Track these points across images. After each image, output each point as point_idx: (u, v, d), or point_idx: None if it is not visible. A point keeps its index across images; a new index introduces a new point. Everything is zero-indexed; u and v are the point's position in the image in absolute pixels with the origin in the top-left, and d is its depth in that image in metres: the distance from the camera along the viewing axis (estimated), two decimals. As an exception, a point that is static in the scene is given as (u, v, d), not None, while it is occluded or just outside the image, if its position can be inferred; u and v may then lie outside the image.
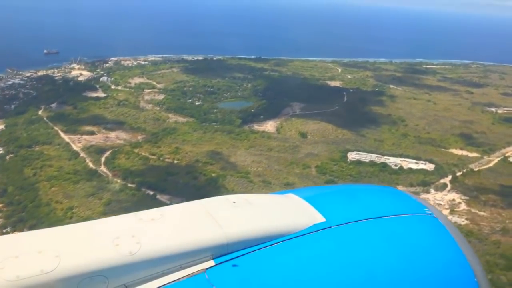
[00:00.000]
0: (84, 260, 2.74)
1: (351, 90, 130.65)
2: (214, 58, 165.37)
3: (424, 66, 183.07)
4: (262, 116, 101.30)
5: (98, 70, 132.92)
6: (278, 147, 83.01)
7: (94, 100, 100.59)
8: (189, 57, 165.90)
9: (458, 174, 76.33)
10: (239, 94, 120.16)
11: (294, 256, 3.24)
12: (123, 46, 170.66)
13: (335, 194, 4.57)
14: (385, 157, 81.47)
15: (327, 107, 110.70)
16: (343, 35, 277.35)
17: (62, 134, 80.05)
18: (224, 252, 3.13)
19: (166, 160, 72.87)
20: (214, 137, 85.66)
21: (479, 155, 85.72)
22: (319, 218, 3.57)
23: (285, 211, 3.72)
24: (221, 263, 3.08)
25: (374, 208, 3.84)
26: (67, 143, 76.46)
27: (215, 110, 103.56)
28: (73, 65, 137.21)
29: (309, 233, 3.42)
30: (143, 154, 73.86)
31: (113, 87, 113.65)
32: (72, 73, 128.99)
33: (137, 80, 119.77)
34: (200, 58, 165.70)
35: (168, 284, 2.88)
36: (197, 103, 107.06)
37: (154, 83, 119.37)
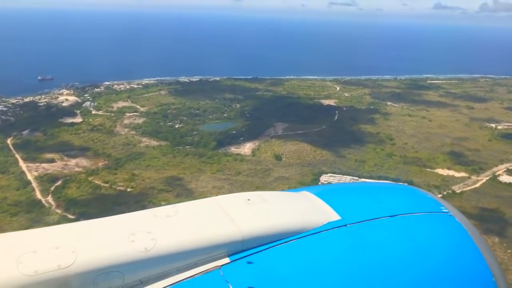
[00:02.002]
0: (100, 255, 2.74)
1: (344, 109, 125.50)
2: (210, 80, 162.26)
3: (429, 81, 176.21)
4: (241, 138, 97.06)
5: (86, 95, 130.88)
6: (248, 171, 78.41)
7: (68, 126, 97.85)
8: (185, 79, 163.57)
9: (438, 196, 69.94)
10: (225, 115, 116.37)
11: (309, 254, 3.16)
12: (119, 70, 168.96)
13: (350, 192, 4.40)
14: (362, 179, 75.68)
15: (314, 126, 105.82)
16: (348, 52, 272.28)
17: (21, 162, 77.05)
18: (239, 249, 3.07)
19: (119, 188, 68.89)
20: (183, 162, 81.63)
21: (467, 175, 79.46)
22: (334, 216, 3.48)
23: (300, 209, 3.62)
24: (236, 260, 3.02)
25: (390, 206, 3.70)
26: (22, 172, 73.31)
27: (194, 133, 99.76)
28: (63, 90, 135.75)
29: (324, 230, 3.34)
30: (96, 182, 70.11)
31: (93, 112, 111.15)
32: (59, 99, 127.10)
33: (120, 104, 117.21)
34: (196, 79, 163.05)
35: (183, 281, 2.86)
36: (176, 126, 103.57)
37: (138, 106, 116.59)
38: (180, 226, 3.12)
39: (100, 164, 78.22)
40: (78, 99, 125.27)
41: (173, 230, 3.07)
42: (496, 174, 79.78)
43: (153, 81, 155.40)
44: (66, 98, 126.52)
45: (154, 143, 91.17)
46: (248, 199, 3.54)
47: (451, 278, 3.21)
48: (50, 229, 3.02)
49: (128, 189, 68.43)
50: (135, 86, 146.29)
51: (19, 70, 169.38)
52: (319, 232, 3.33)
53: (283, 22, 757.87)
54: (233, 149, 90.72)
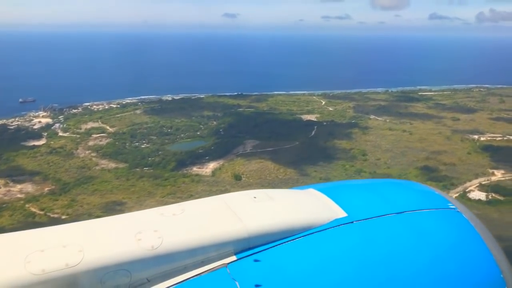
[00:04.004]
0: (107, 254, 2.73)
1: (324, 124, 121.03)
2: (193, 97, 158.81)
3: (421, 93, 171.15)
4: (207, 157, 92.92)
5: (60, 117, 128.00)
6: (202, 193, 73.62)
7: (28, 149, 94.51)
8: (169, 97, 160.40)
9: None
10: (198, 133, 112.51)
11: (315, 251, 3.14)
12: (102, 90, 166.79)
13: (357, 189, 4.31)
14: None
15: (286, 143, 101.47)
16: (341, 66, 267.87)
17: (-37, 189, 73.59)
18: (246, 247, 3.05)
19: (54, 215, 64.68)
20: (135, 185, 77.52)
21: (436, 192, 73.98)
22: (340, 213, 3.46)
23: (306, 206, 3.59)
24: (242, 258, 3.00)
25: (396, 203, 3.68)
26: (-39, 200, 69.81)
27: (160, 152, 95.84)
28: (39, 112, 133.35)
29: (331, 227, 3.32)
30: (32, 209, 66.13)
31: (60, 133, 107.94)
32: (33, 121, 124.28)
33: (90, 125, 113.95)
34: (180, 97, 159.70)
35: (190, 279, 2.85)
36: (142, 146, 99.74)
37: (108, 127, 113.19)
38: (186, 224, 3.06)
39: (46, 189, 74.48)
40: (51, 121, 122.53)
41: (180, 228, 3.00)
42: (467, 190, 74.77)
43: (134, 101, 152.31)
44: (40, 120, 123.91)
45: (112, 165, 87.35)
46: (255, 197, 3.50)
47: (459, 275, 3.15)
48: (57, 228, 2.93)
49: (63, 216, 64.03)
50: (114, 106, 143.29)
51: (1, 93, 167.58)
52: (325, 229, 3.29)
53: (278, 38, 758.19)
54: (195, 169, 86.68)
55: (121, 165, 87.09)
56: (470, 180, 78.49)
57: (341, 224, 3.33)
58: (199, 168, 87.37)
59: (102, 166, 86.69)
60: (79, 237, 2.80)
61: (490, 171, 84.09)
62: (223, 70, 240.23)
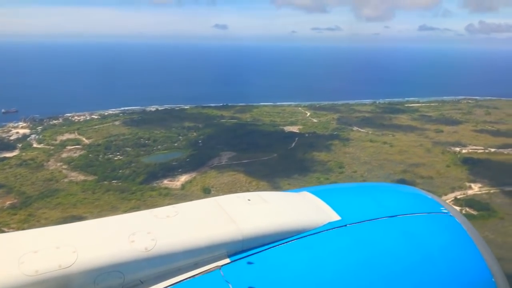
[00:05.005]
0: (101, 256, 2.73)
1: (306, 135, 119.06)
2: (177, 108, 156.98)
3: (408, 104, 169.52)
4: (180, 170, 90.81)
5: (39, 128, 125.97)
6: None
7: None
8: (152, 108, 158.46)
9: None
10: (176, 145, 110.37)
11: (309, 254, 3.15)
12: (86, 101, 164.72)
13: (350, 192, 4.38)
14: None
15: (264, 155, 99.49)
16: (330, 77, 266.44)
17: None
18: (239, 249, 3.05)
19: (9, 230, 62.32)
20: (100, 198, 75.38)
21: (409, 207, 72.01)
22: (334, 216, 3.48)
23: (300, 209, 3.60)
24: (236, 260, 3.00)
25: (390, 207, 3.72)
26: None
27: (132, 165, 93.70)
28: (19, 123, 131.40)
29: (324, 231, 3.34)
30: (-14, 224, 63.95)
31: (35, 145, 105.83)
32: (11, 131, 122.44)
33: (66, 137, 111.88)
34: (163, 108, 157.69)
35: (183, 281, 2.85)
36: (115, 158, 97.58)
37: (84, 138, 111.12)
38: (180, 226, 3.06)
39: (8, 203, 72.16)
40: (29, 132, 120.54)
41: (173, 230, 3.00)
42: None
43: (117, 112, 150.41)
44: (18, 131, 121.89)
45: (81, 178, 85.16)
46: (249, 199, 3.51)
47: (451, 278, 3.17)
48: (51, 229, 2.93)
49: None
50: (96, 117, 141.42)
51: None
52: (319, 232, 3.30)
53: (268, 49, 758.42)
54: (166, 182, 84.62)
55: (90, 178, 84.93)
56: (446, 194, 76.34)
57: (334, 227, 3.32)
58: (170, 181, 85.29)
59: (71, 178, 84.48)
60: (72, 238, 2.76)
61: (468, 184, 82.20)
62: (211, 81, 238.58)
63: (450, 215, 3.66)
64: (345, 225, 3.35)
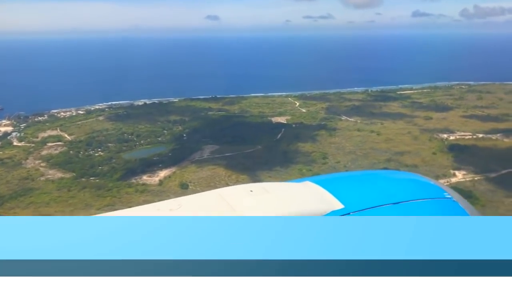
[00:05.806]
0: None
1: (293, 126, 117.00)
2: (164, 102, 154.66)
3: (400, 92, 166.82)
4: (160, 165, 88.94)
5: (22, 125, 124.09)
6: (143, 204, 69.85)
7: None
8: (141, 102, 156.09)
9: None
10: (159, 139, 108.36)
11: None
12: (73, 96, 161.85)
13: (353, 181, 4.37)
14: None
15: (248, 148, 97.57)
16: (322, 66, 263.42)
17: None
18: None
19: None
20: (75, 196, 73.59)
21: (390, 196, 70.28)
22: (337, 205, 3.49)
23: (303, 198, 3.65)
24: None
25: (393, 194, 3.71)
26: None
27: (113, 161, 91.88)
28: (3, 121, 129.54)
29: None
30: (-48, 226, 62.11)
31: (15, 143, 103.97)
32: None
33: (47, 134, 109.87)
34: (151, 102, 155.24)
35: None
36: (96, 155, 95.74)
37: (66, 135, 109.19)
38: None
39: (-21, 203, 70.52)
40: (11, 129, 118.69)
41: None
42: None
43: (103, 106, 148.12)
44: (0, 129, 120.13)
45: (59, 175, 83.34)
46: (251, 191, 3.54)
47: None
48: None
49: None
50: (81, 112, 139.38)
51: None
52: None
53: (263, 39, 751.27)
54: (145, 178, 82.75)
55: (68, 175, 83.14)
56: (428, 183, 74.59)
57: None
58: (149, 176, 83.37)
59: (48, 176, 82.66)
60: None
61: (452, 172, 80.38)
62: (202, 73, 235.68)
63: (454, 201, 3.63)
64: (349, 213, 3.28)
